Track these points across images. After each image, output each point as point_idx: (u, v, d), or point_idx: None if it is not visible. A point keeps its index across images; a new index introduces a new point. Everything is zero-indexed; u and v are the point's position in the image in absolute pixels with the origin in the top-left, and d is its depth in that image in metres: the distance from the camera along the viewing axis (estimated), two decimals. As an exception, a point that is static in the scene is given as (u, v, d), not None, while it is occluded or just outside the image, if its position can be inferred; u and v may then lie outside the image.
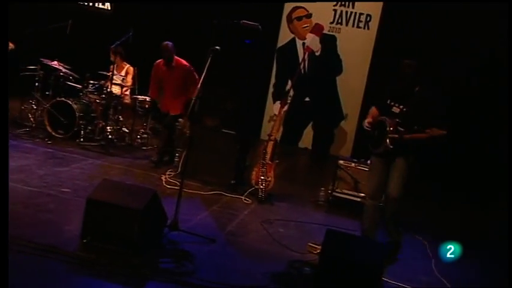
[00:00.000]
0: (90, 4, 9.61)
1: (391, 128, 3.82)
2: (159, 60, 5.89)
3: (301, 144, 8.81)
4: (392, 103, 3.97)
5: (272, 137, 5.25)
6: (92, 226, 3.19)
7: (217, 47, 3.88)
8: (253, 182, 5.20)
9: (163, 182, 5.15)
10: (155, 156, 5.88)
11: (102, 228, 3.18)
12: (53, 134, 6.20)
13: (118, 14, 9.29)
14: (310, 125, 8.77)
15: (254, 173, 5.21)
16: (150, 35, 7.47)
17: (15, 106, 6.79)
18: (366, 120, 4.04)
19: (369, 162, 4.48)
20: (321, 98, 8.66)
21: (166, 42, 5.76)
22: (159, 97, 6.18)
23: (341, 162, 5.44)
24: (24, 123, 6.39)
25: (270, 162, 5.16)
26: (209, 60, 3.84)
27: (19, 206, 3.71)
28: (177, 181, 5.10)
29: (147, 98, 6.78)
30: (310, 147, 8.73)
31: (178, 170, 5.37)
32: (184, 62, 5.88)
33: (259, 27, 5.24)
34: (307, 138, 8.78)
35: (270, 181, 5.13)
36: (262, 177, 5.11)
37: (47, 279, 2.81)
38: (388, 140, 3.81)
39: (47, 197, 4.04)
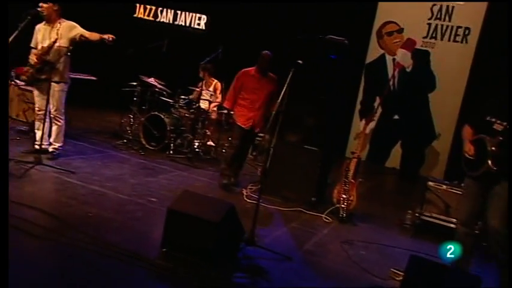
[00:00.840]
0: (187, 25, 10.22)
1: (493, 148, 3.48)
2: (249, 69, 5.49)
3: (388, 164, 8.45)
4: (493, 119, 3.60)
5: (355, 155, 5.09)
6: (172, 236, 3.30)
7: (300, 61, 3.85)
8: (334, 200, 5.06)
9: (244, 196, 5.21)
10: (227, 178, 5.51)
11: (180, 238, 3.28)
12: (147, 145, 6.61)
13: (211, 33, 9.75)
14: (398, 143, 8.39)
15: (336, 191, 5.08)
16: (239, 52, 7.71)
17: (116, 119, 7.40)
18: (467, 148, 3.66)
19: (462, 185, 4.12)
20: (411, 116, 8.27)
21: (267, 51, 5.39)
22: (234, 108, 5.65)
23: (430, 183, 5.10)
24: (122, 135, 6.90)
25: (352, 180, 5.00)
26: (291, 74, 3.82)
27: (110, 212, 3.97)
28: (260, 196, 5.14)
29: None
30: (398, 167, 8.34)
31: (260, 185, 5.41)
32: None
33: (346, 42, 5.15)
34: (395, 158, 8.40)
35: (352, 200, 4.96)
36: (344, 196, 4.96)
37: (126, 284, 2.96)
38: (490, 161, 3.47)
39: (136, 205, 4.28)
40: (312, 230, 4.55)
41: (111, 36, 5.02)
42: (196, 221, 3.19)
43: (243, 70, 5.53)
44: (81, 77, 6.57)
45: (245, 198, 5.16)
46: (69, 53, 5.05)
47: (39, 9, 4.93)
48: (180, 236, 3.29)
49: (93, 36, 5.10)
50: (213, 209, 3.28)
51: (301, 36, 4.71)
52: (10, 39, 4.55)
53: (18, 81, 6.20)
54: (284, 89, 3.81)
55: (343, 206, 4.94)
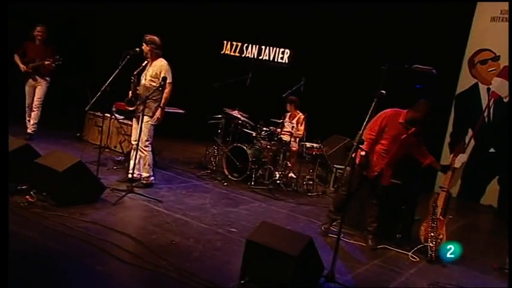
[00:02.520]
0: (271, 59, 10.50)
1: None
2: (396, 112, 4.68)
3: (484, 201, 7.79)
4: None
5: (444, 189, 4.76)
6: (250, 267, 3.29)
7: (383, 91, 3.72)
8: (421, 238, 4.74)
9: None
10: (329, 223, 4.98)
11: (258, 270, 3.26)
12: (229, 176, 6.78)
13: (294, 66, 9.92)
14: (495, 179, 7.71)
15: (423, 228, 4.76)
16: (321, 84, 7.74)
17: (201, 150, 7.70)
18: None
19: None
20: (510, 149, 7.59)
21: (426, 100, 4.60)
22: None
23: (535, 224, 4.60)
24: (207, 166, 7.15)
25: (441, 217, 4.66)
26: (373, 105, 3.72)
27: (192, 241, 4.08)
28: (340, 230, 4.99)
29: (315, 145, 6.95)
30: (495, 205, 7.63)
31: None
32: None
33: (434, 71, 4.92)
34: (491, 194, 7.73)
35: (441, 239, 4.61)
36: (431, 234, 4.63)
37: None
38: None
39: (216, 235, 4.37)
40: (397, 269, 4.29)
41: (159, 117, 5.48)
42: (274, 254, 3.16)
43: (389, 112, 4.68)
44: (170, 110, 6.95)
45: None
46: (160, 89, 5.40)
47: (137, 49, 5.36)
48: (258, 268, 3.27)
49: (166, 93, 5.47)
50: (291, 241, 3.23)
51: (385, 67, 4.58)
52: (111, 77, 5.03)
53: (117, 115, 6.75)
54: (366, 120, 3.72)
55: (431, 244, 4.61)
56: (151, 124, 5.49)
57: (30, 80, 7.06)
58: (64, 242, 3.57)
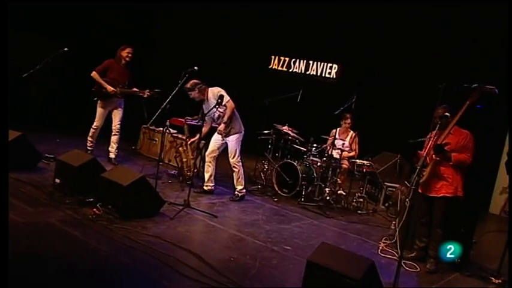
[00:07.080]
0: (318, 74, 10.51)
1: None
2: None
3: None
4: None
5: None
6: (310, 288, 3.33)
7: (447, 114, 3.68)
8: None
9: (379, 251, 5.03)
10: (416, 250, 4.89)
11: (319, 292, 3.29)
12: (279, 192, 6.83)
13: (341, 81, 9.88)
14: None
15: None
16: (369, 100, 7.64)
17: (251, 165, 7.80)
18: None
19: None
20: None
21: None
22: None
23: None
24: (256, 181, 7.24)
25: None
26: (437, 128, 3.68)
27: (248, 258, 4.15)
28: (393, 251, 4.92)
29: (365, 162, 6.89)
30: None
31: (394, 239, 5.19)
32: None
33: (496, 90, 4.80)
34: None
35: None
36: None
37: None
38: None
39: (271, 252, 4.42)
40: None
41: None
42: (336, 276, 3.17)
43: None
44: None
45: (379, 253, 4.98)
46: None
47: (195, 68, 5.52)
48: (319, 289, 3.29)
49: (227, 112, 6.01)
50: (353, 264, 3.24)
51: (442, 85, 4.51)
52: (171, 95, 5.24)
53: (171, 130, 6.97)
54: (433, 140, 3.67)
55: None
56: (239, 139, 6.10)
57: (111, 103, 6.77)
58: (131, 255, 3.73)
